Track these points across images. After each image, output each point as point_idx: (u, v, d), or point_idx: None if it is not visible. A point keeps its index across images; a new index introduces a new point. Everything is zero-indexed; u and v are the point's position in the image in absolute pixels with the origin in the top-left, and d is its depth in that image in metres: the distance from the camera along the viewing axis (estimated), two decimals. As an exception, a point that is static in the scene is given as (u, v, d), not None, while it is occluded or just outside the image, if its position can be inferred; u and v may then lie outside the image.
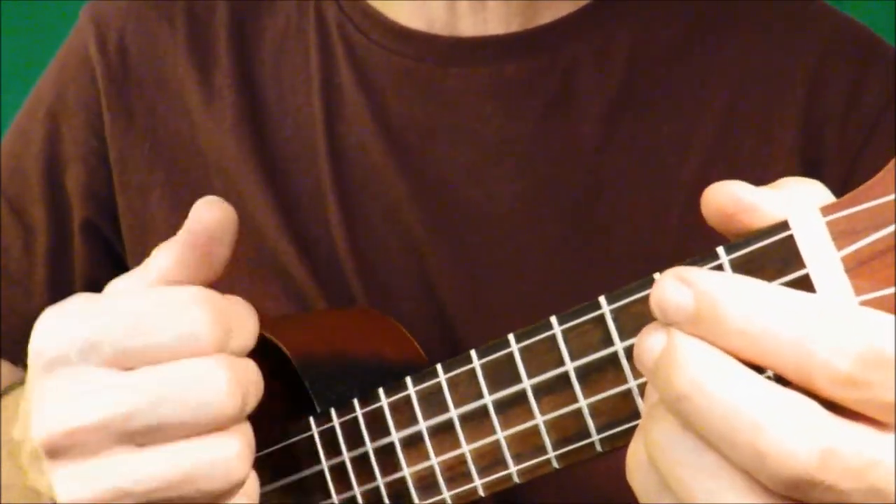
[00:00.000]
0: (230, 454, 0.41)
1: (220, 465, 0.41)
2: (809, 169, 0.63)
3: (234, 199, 0.65)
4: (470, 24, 0.65)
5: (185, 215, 0.66)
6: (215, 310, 0.42)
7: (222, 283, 0.65)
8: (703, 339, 0.34)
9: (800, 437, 0.31)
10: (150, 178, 0.68)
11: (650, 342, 0.35)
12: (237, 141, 0.66)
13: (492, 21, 0.65)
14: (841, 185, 0.62)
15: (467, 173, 0.64)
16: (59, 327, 0.42)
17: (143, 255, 0.67)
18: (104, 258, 0.70)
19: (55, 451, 0.40)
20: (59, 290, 0.70)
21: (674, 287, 0.34)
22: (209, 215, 0.43)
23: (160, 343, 0.41)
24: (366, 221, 0.64)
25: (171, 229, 0.66)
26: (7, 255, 0.71)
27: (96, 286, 0.69)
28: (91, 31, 0.69)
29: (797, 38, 0.65)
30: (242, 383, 0.42)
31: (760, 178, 0.64)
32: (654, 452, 0.34)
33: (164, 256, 0.44)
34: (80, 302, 0.43)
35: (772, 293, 0.33)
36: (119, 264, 0.70)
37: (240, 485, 0.42)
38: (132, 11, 0.69)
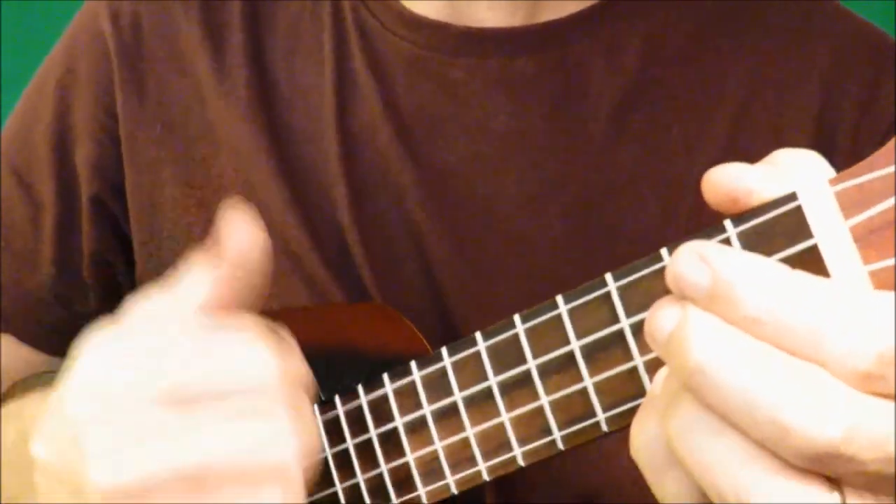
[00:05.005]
0: (297, 498, 0.41)
1: None
2: None
3: (243, 178, 0.66)
4: (470, 14, 0.65)
5: (194, 194, 0.68)
6: (277, 352, 0.41)
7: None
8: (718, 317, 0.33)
9: (825, 412, 0.31)
10: (160, 155, 0.67)
11: (663, 316, 0.34)
12: (248, 120, 0.66)
13: (494, 10, 0.65)
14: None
15: (473, 165, 0.64)
16: (117, 365, 0.41)
17: (150, 233, 0.68)
18: (111, 235, 0.70)
19: (118, 497, 0.39)
20: (66, 267, 0.70)
21: (691, 263, 0.33)
22: (245, 238, 0.43)
23: (228, 388, 0.40)
24: (373, 206, 0.64)
25: (180, 208, 0.67)
26: (14, 229, 0.70)
27: (103, 263, 0.70)
28: (104, 6, 0.69)
29: (811, 40, 0.65)
30: (308, 425, 0.41)
31: None
32: (674, 439, 0.34)
33: (204, 282, 0.43)
34: (132, 334, 0.42)
35: (790, 280, 0.33)
36: (126, 242, 0.69)
37: None
38: None
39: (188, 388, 0.40)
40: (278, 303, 0.64)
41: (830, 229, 0.35)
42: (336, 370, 0.53)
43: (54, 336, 0.71)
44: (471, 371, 0.45)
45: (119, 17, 0.69)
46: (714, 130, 0.64)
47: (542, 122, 0.64)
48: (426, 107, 0.65)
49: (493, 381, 0.44)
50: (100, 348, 0.42)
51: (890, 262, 0.34)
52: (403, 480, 0.48)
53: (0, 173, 0.71)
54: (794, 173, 0.37)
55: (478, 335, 0.45)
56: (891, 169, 0.34)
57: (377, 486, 0.49)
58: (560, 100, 0.64)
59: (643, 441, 0.36)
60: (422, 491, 0.47)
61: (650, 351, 0.40)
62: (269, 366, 0.41)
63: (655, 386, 0.37)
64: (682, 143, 0.64)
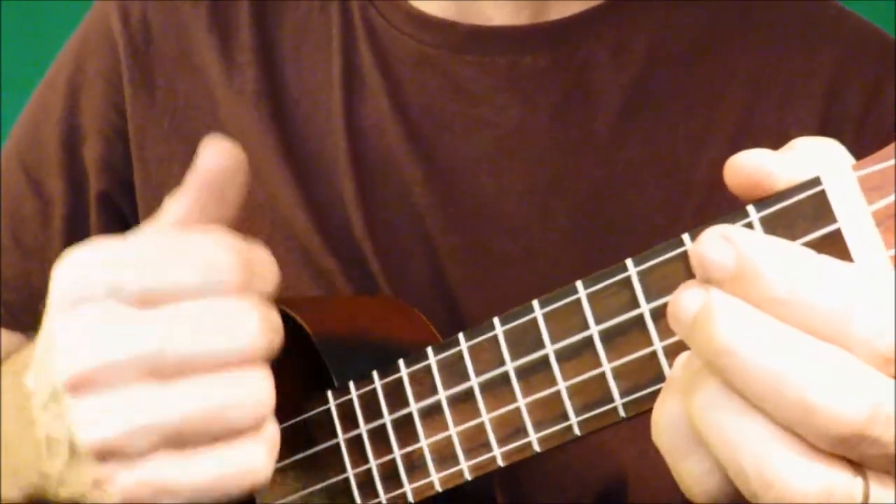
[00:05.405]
0: (259, 390, 0.41)
1: (250, 399, 0.40)
2: None
3: (252, 175, 0.66)
4: (476, 13, 0.66)
5: None
6: (239, 251, 0.42)
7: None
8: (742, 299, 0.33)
9: (849, 393, 0.31)
10: (169, 152, 0.68)
11: (687, 297, 0.34)
12: (257, 117, 0.66)
13: (501, 9, 0.65)
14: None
15: (480, 162, 0.64)
16: (85, 266, 0.41)
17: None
18: (119, 232, 0.69)
19: (80, 387, 0.40)
20: None
21: (716, 244, 0.34)
22: (217, 158, 0.44)
23: (187, 281, 0.41)
24: (381, 202, 0.65)
25: None
26: (24, 226, 0.71)
27: None
28: (114, 5, 0.70)
29: (815, 41, 0.66)
30: (271, 323, 0.42)
31: None
32: (698, 418, 0.34)
33: (178, 202, 0.44)
34: (103, 242, 0.43)
35: (814, 263, 0.33)
36: None
37: (265, 423, 0.41)
38: None
39: (152, 283, 0.41)
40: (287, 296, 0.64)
41: (853, 214, 0.35)
42: (348, 359, 0.53)
43: None
44: (487, 356, 0.45)
45: (129, 15, 0.70)
46: (719, 130, 0.64)
47: (548, 120, 0.64)
48: (433, 104, 0.65)
49: (510, 365, 0.44)
50: (74, 257, 0.43)
51: (911, 246, 0.34)
52: (416, 466, 0.48)
53: (10, 169, 0.72)
54: (815, 159, 0.37)
55: (495, 320, 0.45)
56: (913, 154, 0.34)
57: (390, 471, 0.49)
58: (566, 97, 0.65)
59: (665, 423, 0.36)
60: (435, 477, 0.47)
61: (670, 336, 0.40)
62: (235, 268, 0.41)
63: (676, 369, 0.37)
64: (687, 141, 0.64)
